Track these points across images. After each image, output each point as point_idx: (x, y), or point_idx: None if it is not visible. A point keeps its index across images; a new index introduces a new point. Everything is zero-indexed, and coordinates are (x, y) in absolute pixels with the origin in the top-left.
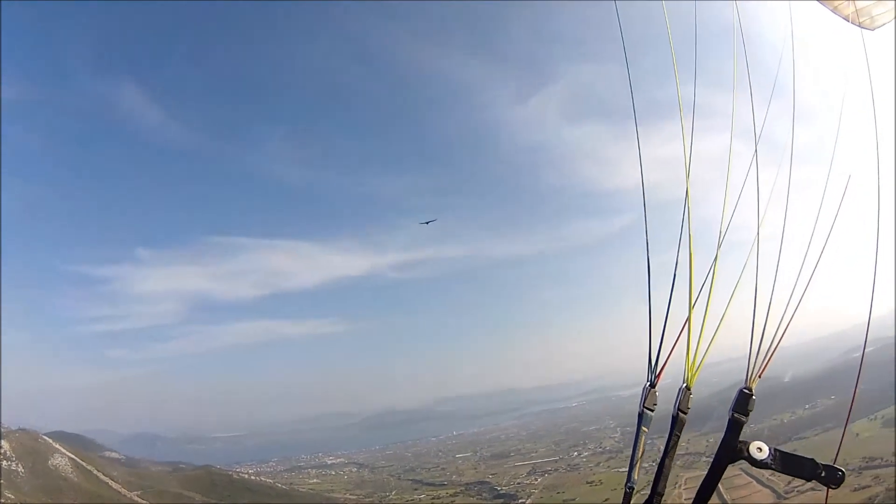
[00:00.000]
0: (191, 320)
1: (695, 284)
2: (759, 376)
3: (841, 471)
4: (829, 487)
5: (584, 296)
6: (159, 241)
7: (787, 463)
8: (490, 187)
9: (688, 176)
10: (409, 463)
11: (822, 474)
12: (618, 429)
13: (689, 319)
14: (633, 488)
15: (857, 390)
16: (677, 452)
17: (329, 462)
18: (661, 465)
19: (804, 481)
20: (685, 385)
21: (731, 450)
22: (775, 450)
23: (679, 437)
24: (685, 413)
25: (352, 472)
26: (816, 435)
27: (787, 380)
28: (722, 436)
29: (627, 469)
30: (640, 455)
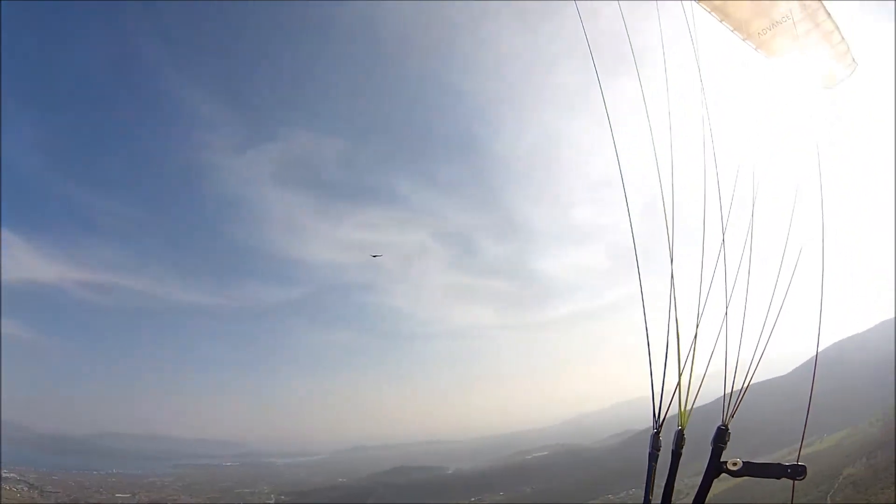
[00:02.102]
0: None
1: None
2: (732, 416)
3: (803, 465)
4: (795, 480)
5: (250, 358)
6: None
7: (758, 469)
8: (187, 228)
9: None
10: (74, 493)
11: (789, 471)
12: (272, 495)
13: (679, 371)
14: None
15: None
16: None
17: (4, 475)
18: (668, 486)
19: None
20: (679, 428)
21: (715, 469)
22: (746, 462)
23: (676, 470)
24: (680, 450)
25: (23, 490)
26: None
27: (449, 472)
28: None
29: (644, 495)
30: (652, 484)
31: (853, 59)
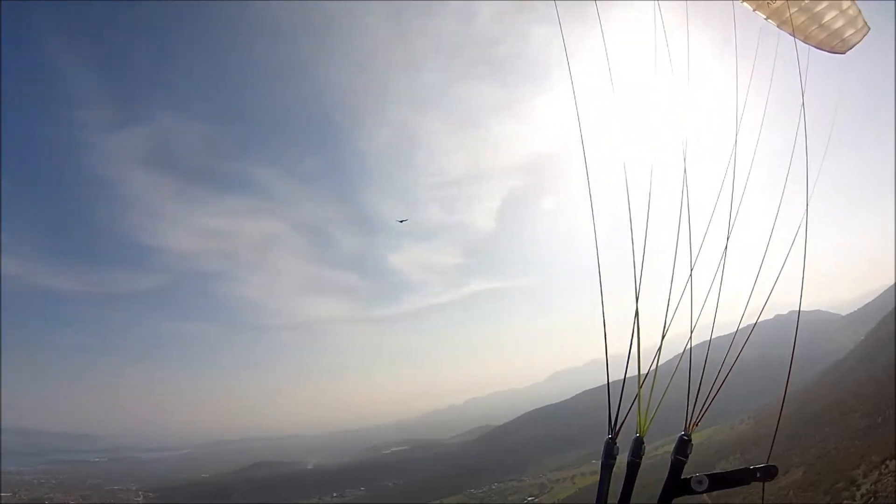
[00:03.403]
0: None
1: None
2: (696, 425)
3: (774, 466)
4: (766, 482)
5: (110, 348)
6: None
7: (725, 481)
8: (54, 208)
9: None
10: None
11: (759, 474)
12: (140, 493)
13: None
14: None
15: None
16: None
17: None
18: (624, 501)
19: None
20: (637, 435)
21: (675, 487)
22: (710, 476)
23: (634, 483)
24: (639, 460)
25: None
26: None
27: (310, 467)
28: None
29: None
30: (605, 497)
31: (865, 23)
